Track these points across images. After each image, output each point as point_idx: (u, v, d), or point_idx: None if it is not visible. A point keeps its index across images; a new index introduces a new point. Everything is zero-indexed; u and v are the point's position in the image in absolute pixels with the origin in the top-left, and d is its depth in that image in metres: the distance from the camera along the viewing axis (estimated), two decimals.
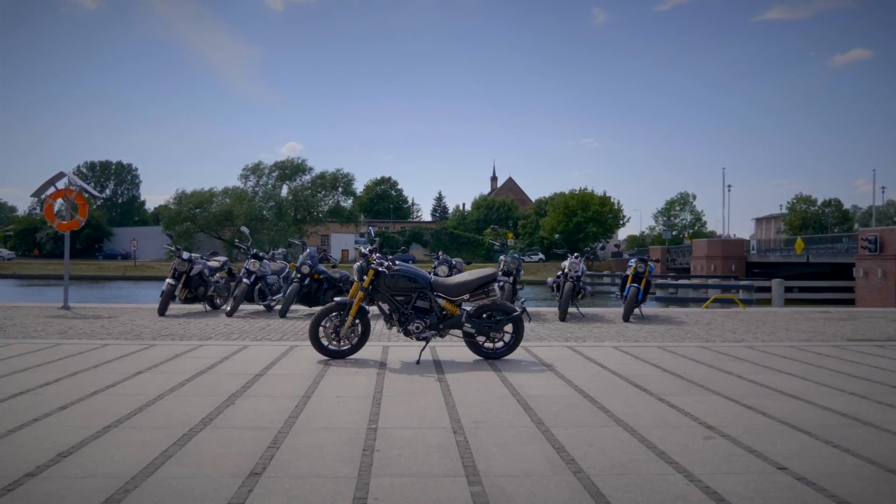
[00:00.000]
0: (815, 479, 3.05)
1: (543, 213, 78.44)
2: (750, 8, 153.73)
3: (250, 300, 10.38)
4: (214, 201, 66.58)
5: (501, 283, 9.84)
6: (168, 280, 10.13)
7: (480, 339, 6.20)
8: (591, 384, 5.10)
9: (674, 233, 78.49)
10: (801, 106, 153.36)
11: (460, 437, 3.66)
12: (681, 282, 30.62)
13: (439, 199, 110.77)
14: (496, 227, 65.84)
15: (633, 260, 10.49)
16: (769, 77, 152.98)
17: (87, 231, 72.96)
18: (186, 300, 10.44)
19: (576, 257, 10.60)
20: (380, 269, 6.11)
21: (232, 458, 3.26)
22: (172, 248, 10.77)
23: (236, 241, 54.83)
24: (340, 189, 71.29)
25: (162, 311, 9.81)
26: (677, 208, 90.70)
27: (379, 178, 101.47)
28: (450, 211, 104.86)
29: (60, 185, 11.14)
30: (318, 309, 7.09)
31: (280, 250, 12.03)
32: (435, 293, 6.23)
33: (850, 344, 7.58)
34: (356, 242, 65.51)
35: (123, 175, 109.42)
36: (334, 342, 6.09)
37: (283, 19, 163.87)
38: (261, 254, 10.59)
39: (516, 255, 10.73)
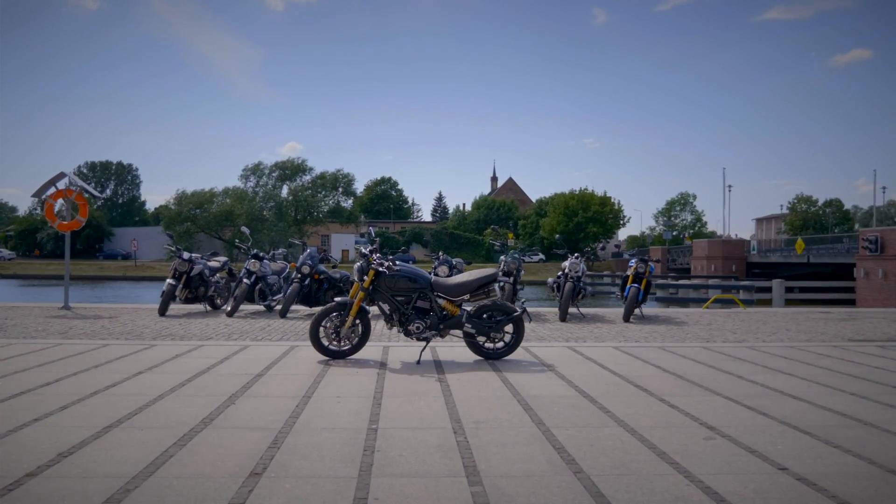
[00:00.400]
0: (815, 479, 3.05)
1: (544, 214, 78.38)
2: (750, 8, 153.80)
3: (251, 300, 10.39)
4: (215, 201, 66.67)
5: (502, 284, 9.85)
6: (168, 280, 10.14)
7: (481, 339, 6.20)
8: (592, 384, 5.10)
9: (674, 233, 78.52)
10: (801, 106, 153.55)
11: (461, 437, 3.66)
12: (681, 282, 30.69)
13: (439, 199, 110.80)
14: (496, 227, 65.76)
15: (633, 260, 10.48)
16: (769, 77, 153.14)
17: (88, 231, 72.95)
18: (187, 300, 10.46)
19: (576, 257, 10.59)
20: (380, 269, 6.11)
21: (232, 458, 3.26)
22: (173, 249, 10.77)
23: (237, 241, 54.89)
24: (340, 189, 71.45)
25: (162, 311, 9.82)
26: (678, 208, 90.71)
27: (379, 178, 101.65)
28: (450, 211, 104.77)
29: (61, 185, 11.15)
30: (318, 309, 7.09)
31: (280, 250, 12.02)
32: (435, 293, 6.23)
33: (851, 344, 7.58)
34: (356, 243, 65.41)
35: (124, 175, 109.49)
36: (335, 342, 6.09)
37: (283, 19, 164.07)
38: (261, 254, 10.59)
39: (516, 256, 10.73)
